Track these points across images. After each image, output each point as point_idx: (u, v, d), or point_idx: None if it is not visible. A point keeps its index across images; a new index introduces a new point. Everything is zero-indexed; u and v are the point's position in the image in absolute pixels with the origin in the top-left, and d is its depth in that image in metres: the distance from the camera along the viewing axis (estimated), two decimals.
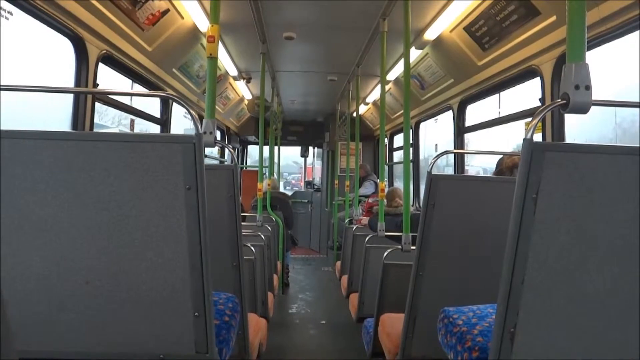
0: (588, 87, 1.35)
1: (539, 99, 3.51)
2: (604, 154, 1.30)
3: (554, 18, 3.14)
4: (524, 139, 1.28)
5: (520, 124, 4.05)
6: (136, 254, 1.51)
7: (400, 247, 3.20)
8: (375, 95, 7.83)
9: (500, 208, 1.99)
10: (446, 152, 2.71)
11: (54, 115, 3.42)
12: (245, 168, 11.08)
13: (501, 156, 3.44)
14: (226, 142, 8.83)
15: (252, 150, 12.43)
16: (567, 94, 1.35)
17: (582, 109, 1.36)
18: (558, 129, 3.30)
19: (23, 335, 1.55)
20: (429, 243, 2.36)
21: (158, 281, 1.53)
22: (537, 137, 3.43)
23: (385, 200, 4.89)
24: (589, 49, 2.87)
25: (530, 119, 3.87)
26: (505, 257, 1.32)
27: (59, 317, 1.56)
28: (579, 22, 1.40)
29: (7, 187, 1.44)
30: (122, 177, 1.48)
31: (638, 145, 1.28)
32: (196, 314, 1.54)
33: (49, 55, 3.37)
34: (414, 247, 2.55)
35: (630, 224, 1.30)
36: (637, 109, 1.68)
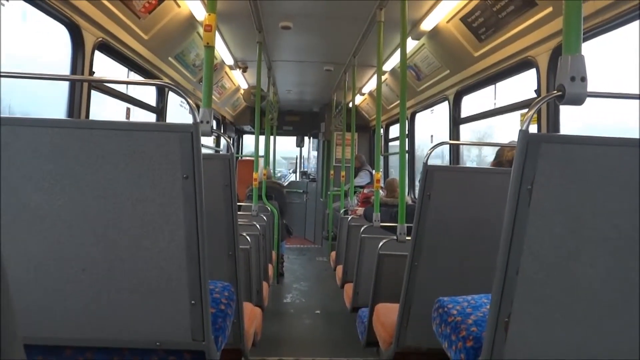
0: (584, 79, 1.35)
1: (535, 90, 3.52)
2: (599, 145, 1.30)
3: (550, 9, 3.14)
4: (520, 130, 1.28)
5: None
6: (133, 242, 1.52)
7: (395, 237, 3.21)
8: (371, 85, 7.82)
9: (495, 199, 2.00)
10: (442, 144, 2.71)
11: (49, 102, 3.41)
12: (241, 157, 11.07)
13: (499, 147, 3.44)
14: (222, 132, 8.82)
15: (248, 140, 12.43)
16: (563, 85, 1.36)
17: (578, 101, 1.37)
18: (553, 120, 3.31)
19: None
20: (424, 234, 2.37)
21: (155, 269, 1.53)
22: (533, 128, 3.45)
23: (382, 191, 4.90)
24: (585, 40, 2.89)
25: (526, 110, 3.88)
26: (500, 247, 1.33)
27: (55, 305, 1.56)
28: (575, 14, 1.40)
29: (3, 174, 1.44)
30: (119, 165, 1.48)
31: (633, 137, 1.29)
32: (192, 302, 1.54)
33: (45, 43, 3.35)
34: (408, 238, 2.56)
35: (625, 216, 1.31)
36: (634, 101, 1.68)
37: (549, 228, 1.32)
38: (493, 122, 4.98)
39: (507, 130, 5.12)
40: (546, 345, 1.40)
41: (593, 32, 2.85)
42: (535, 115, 3.43)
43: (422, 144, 7.13)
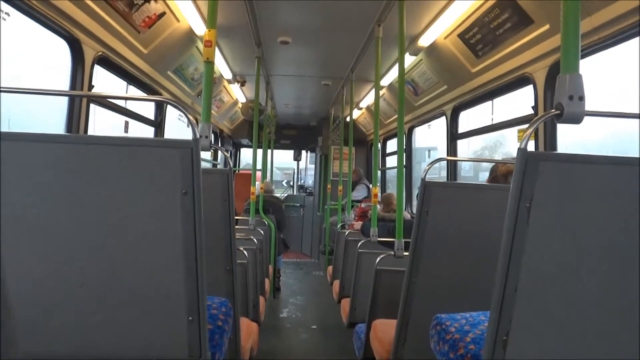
0: (582, 98, 1.36)
1: (532, 107, 3.54)
2: (597, 164, 1.31)
3: (547, 27, 3.17)
4: (519, 149, 1.29)
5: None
6: (131, 258, 1.51)
7: (392, 252, 3.20)
8: (368, 100, 7.85)
9: (493, 215, 2.00)
10: (439, 160, 2.71)
11: (46, 117, 3.42)
12: (238, 171, 11.07)
13: (493, 164, 3.46)
14: (219, 145, 8.83)
15: (245, 153, 12.42)
16: (561, 104, 1.37)
17: (576, 119, 1.38)
18: (551, 137, 3.32)
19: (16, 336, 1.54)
20: (422, 249, 2.36)
21: (153, 285, 1.53)
22: (530, 145, 3.46)
23: (379, 206, 4.90)
24: (583, 57, 2.91)
25: (522, 127, 3.91)
26: (498, 264, 1.33)
27: (52, 319, 1.55)
28: (573, 33, 1.42)
29: (3, 189, 1.44)
30: (118, 180, 1.48)
31: (631, 156, 1.29)
32: (190, 318, 1.53)
33: (43, 57, 3.36)
34: (406, 253, 2.56)
35: (623, 233, 1.31)
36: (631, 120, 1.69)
37: (547, 245, 1.32)
38: (504, 132, 4.99)
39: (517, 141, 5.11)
40: None
41: (590, 50, 2.87)
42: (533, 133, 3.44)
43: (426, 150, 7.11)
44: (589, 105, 1.39)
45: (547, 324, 1.37)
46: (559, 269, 1.33)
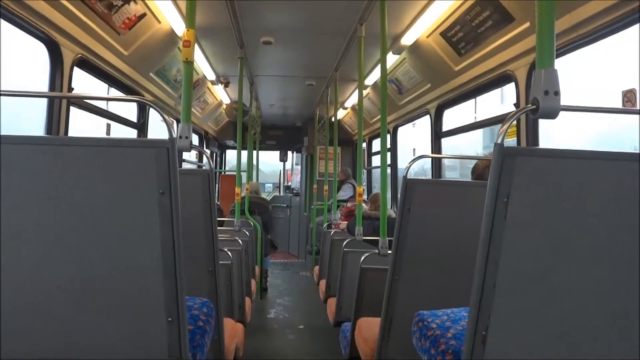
0: (557, 93, 1.37)
1: (514, 104, 3.55)
2: (574, 159, 1.31)
3: (527, 25, 3.19)
4: (495, 144, 1.29)
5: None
6: (109, 259, 1.50)
7: (377, 251, 3.20)
8: (353, 99, 7.86)
9: (475, 212, 2.00)
10: (422, 157, 2.70)
11: (28, 119, 3.38)
12: (224, 173, 11.03)
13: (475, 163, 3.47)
14: (204, 147, 8.79)
15: (232, 155, 12.39)
16: (537, 99, 1.37)
17: (551, 114, 1.38)
18: (532, 133, 3.34)
19: None
20: (405, 247, 2.37)
21: (131, 286, 1.52)
22: (512, 142, 3.48)
23: (365, 205, 4.90)
24: (562, 55, 2.93)
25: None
26: (477, 260, 1.33)
27: (30, 322, 1.54)
28: (548, 29, 1.42)
29: None
30: (95, 181, 1.46)
31: (609, 151, 1.30)
32: (169, 319, 1.52)
33: (21, 59, 3.32)
34: (390, 252, 2.56)
35: (600, 228, 1.32)
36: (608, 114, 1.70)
37: (525, 241, 1.33)
38: None
39: None
40: (524, 357, 1.40)
41: (569, 47, 2.89)
42: (516, 130, 3.47)
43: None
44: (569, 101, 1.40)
45: (526, 320, 1.37)
46: (538, 265, 1.34)
